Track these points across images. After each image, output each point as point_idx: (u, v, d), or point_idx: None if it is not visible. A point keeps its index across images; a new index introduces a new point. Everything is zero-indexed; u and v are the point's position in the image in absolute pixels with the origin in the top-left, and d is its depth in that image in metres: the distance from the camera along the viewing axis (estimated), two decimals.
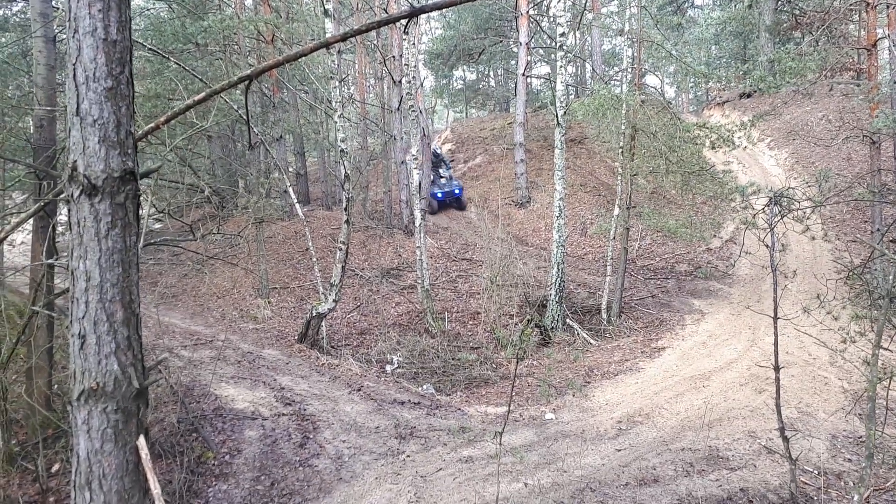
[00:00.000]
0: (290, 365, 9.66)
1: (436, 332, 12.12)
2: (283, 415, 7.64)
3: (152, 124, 4.19)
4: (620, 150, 13.38)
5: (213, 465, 6.48)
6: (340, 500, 6.10)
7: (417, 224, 13.56)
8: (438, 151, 20.75)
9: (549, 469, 6.92)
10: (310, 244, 12.01)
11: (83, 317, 2.51)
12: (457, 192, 19.90)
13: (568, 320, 12.45)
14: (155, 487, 2.42)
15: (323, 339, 11.21)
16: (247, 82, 4.85)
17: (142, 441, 2.45)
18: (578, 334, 12.01)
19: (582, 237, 17.30)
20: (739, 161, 18.82)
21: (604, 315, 12.73)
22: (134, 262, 2.66)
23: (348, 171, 12.04)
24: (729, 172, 15.22)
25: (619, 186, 13.29)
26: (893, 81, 15.80)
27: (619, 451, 7.40)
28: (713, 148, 14.10)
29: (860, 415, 7.60)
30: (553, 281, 12.56)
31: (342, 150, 11.80)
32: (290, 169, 20.91)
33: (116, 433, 2.42)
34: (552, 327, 12.11)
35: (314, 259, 12.00)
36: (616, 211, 13.30)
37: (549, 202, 16.29)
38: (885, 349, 4.47)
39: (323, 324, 11.27)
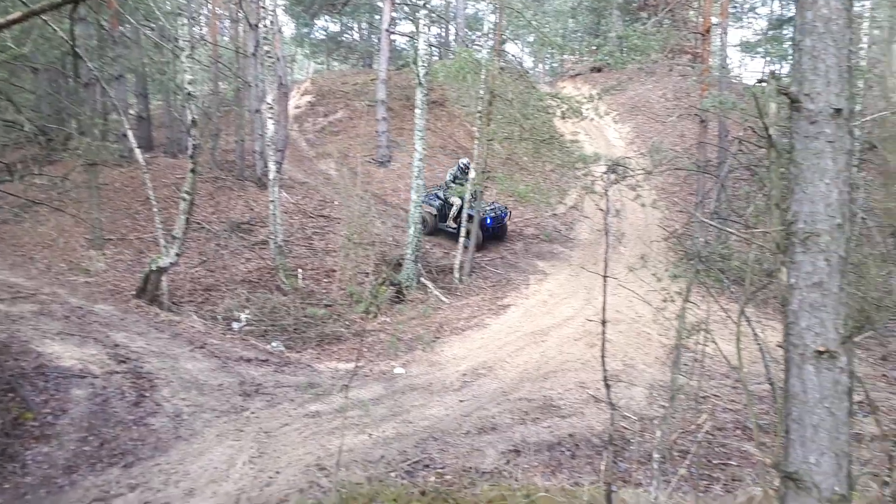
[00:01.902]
0: (125, 321, 9.04)
1: (288, 290, 11.86)
2: (117, 373, 7.16)
3: None
4: (478, 114, 13.67)
5: (33, 426, 5.97)
6: (178, 459, 5.88)
7: (272, 177, 13.07)
8: (468, 164, 14.70)
9: (395, 421, 7.10)
10: (150, 193, 11.20)
11: None
12: (503, 214, 15.46)
13: (422, 279, 12.69)
14: None
15: (163, 294, 10.58)
16: (72, 5, 4.37)
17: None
18: (431, 292, 12.30)
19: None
20: (587, 132, 19.93)
21: (456, 274, 13.11)
22: None
23: (195, 117, 11.30)
24: (576, 143, 16.12)
25: (476, 151, 13.61)
26: (722, 66, 17.40)
27: (463, 402, 7.74)
28: (563, 118, 14.80)
29: (671, 366, 8.49)
30: (410, 240, 12.70)
31: (189, 94, 11.03)
32: (131, 111, 19.21)
33: None
34: (407, 285, 12.29)
35: (155, 209, 11.21)
36: (472, 174, 13.63)
37: (409, 162, 16.32)
38: (696, 306, 5.00)
39: (164, 279, 10.62)
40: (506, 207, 15.64)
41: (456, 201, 13.87)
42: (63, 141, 13.78)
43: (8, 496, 5.04)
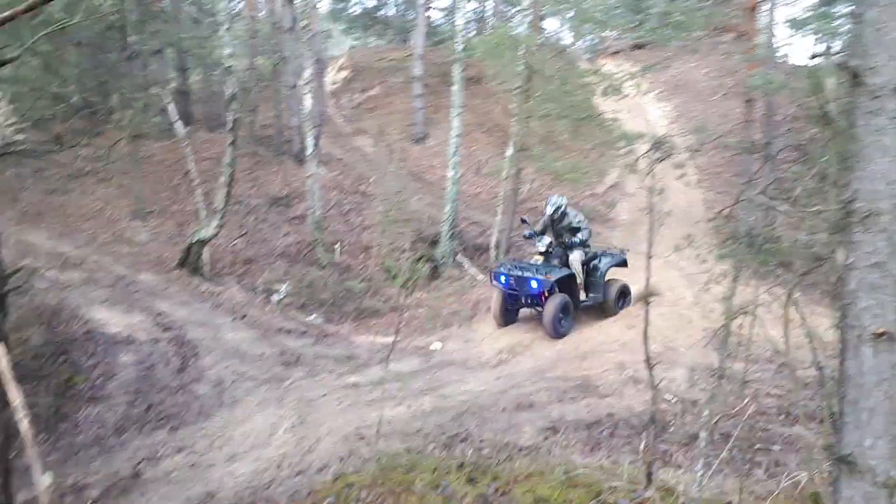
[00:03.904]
0: (168, 291, 9.23)
1: (326, 264, 11.97)
2: (161, 340, 7.34)
3: (8, 12, 3.72)
4: (516, 91, 13.50)
5: (84, 389, 6.16)
6: (221, 424, 6.01)
7: (309, 153, 13.14)
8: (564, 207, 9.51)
9: (432, 395, 7.14)
10: (191, 166, 11.36)
11: None
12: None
13: (458, 256, 12.67)
14: (16, 397, 2.25)
15: (205, 266, 10.75)
16: None
17: (1, 350, 2.25)
18: (468, 270, 12.28)
19: (475, 176, 17.50)
20: (627, 111, 19.54)
21: (492, 252, 13.06)
22: None
23: (235, 91, 11.39)
24: (616, 121, 15.85)
25: (514, 128, 13.46)
26: (769, 44, 16.86)
27: (499, 378, 7.75)
28: (604, 95, 14.53)
29: (717, 349, 8.34)
30: (446, 218, 12.68)
31: (228, 68, 11.10)
32: (171, 86, 19.43)
33: None
34: (443, 262, 12.30)
35: (196, 182, 11.38)
36: (509, 152, 13.50)
37: (445, 139, 16.26)
38: (742, 287, 4.90)
39: (205, 250, 10.80)
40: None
41: (575, 260, 9.15)
42: (106, 114, 14.01)
43: (62, 453, 5.22)
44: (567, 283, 9.13)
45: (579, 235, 9.33)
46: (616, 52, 26.05)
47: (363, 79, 23.60)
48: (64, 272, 8.93)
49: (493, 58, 15.51)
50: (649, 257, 6.41)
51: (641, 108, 20.56)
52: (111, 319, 7.50)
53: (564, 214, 9.38)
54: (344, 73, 23.88)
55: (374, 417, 6.45)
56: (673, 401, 7.07)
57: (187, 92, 19.45)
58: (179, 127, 11.37)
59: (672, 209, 14.86)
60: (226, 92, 14.89)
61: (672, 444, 6.21)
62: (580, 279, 9.34)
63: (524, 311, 9.60)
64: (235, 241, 12.21)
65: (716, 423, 6.07)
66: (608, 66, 22.59)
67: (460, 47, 12.52)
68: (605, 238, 14.46)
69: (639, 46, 25.59)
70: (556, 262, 9.27)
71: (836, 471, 3.03)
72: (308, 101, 13.28)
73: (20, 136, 12.86)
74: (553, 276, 8.79)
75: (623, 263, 10.06)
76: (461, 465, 5.48)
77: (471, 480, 4.91)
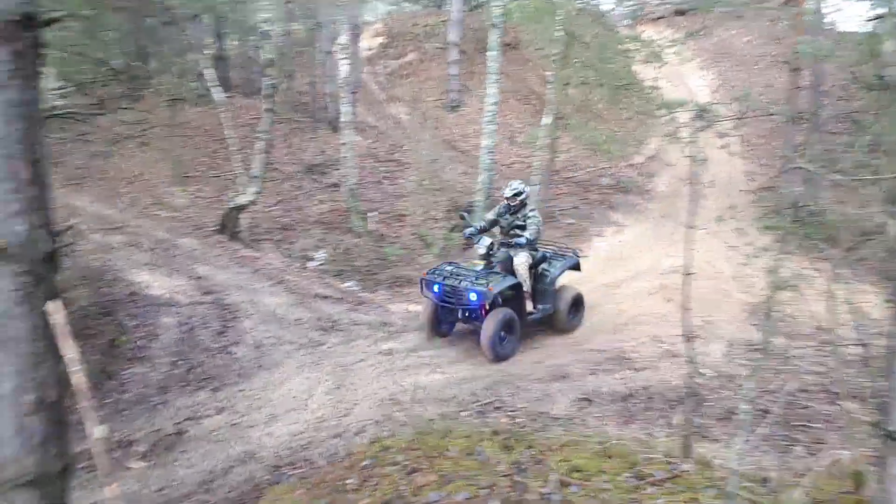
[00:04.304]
0: (208, 255, 9.39)
1: (360, 232, 12.02)
2: (202, 303, 7.49)
3: None
4: (554, 57, 13.23)
5: (128, 349, 6.33)
6: (260, 386, 6.14)
7: (344, 120, 13.12)
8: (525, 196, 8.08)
9: (466, 363, 7.19)
10: (228, 132, 11.44)
11: None
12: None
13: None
14: (70, 351, 2.31)
15: (243, 231, 10.90)
16: None
17: (55, 306, 2.31)
18: None
19: (510, 145, 17.30)
20: (668, 79, 19.05)
21: None
22: (38, 118, 2.43)
23: (272, 57, 11.39)
24: (657, 89, 15.46)
25: (550, 96, 13.22)
26: (817, 10, 16.18)
27: (534, 349, 7.74)
28: (645, 63, 14.18)
29: (755, 324, 8.20)
30: (481, 187, 12.59)
31: (264, 32, 11.06)
32: (208, 51, 19.50)
33: (26, 296, 2.27)
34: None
35: (233, 149, 11.47)
36: (545, 121, 13.28)
37: (480, 107, 16.07)
38: (787, 260, 4.77)
39: (243, 216, 10.93)
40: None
41: (521, 264, 7.70)
42: (146, 79, 14.15)
43: (109, 410, 5.39)
44: (512, 294, 7.58)
45: (526, 234, 7.61)
46: (657, 19, 25.31)
47: (398, 45, 23.36)
48: (107, 235, 9.13)
49: (531, 23, 15.22)
50: (690, 228, 6.31)
51: (682, 77, 20.02)
52: (153, 282, 7.66)
53: (523, 205, 7.87)
54: (379, 39, 23.66)
55: (408, 383, 6.54)
56: (709, 375, 6.99)
57: (224, 58, 19.51)
58: (217, 93, 11.42)
59: (713, 180, 14.53)
60: (262, 58, 14.90)
61: (709, 418, 6.16)
62: (527, 287, 7.74)
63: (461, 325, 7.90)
64: (272, 208, 12.33)
65: (755, 398, 6.00)
66: (649, 32, 21.97)
67: (498, 12, 12.27)
68: (642, 209, 14.23)
69: (681, 13, 24.83)
70: (498, 266, 7.63)
71: (883, 448, 2.97)
72: (343, 68, 13.22)
73: (64, 101, 13.13)
74: (496, 288, 7.16)
75: (576, 267, 8.68)
76: (495, 433, 5.53)
77: (505, 448, 4.95)
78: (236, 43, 21.25)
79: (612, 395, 6.55)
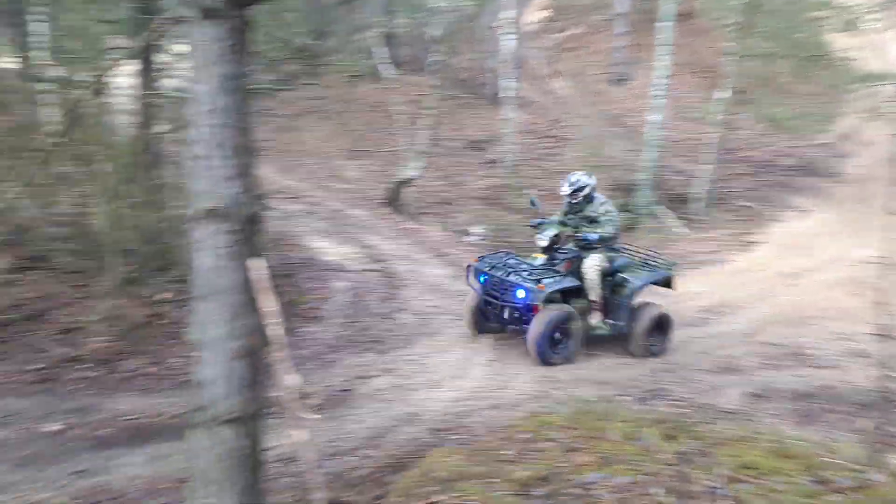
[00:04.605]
0: (376, 226, 9.91)
1: (518, 209, 12.03)
2: (370, 270, 7.92)
3: None
4: (733, 27, 12.25)
5: (305, 309, 6.86)
6: (423, 352, 6.39)
7: (505, 95, 13.12)
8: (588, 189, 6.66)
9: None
10: (396, 108, 11.88)
11: (203, 140, 2.53)
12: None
13: (658, 206, 12.06)
14: (271, 305, 2.53)
15: (407, 204, 11.33)
16: None
17: (259, 263, 2.53)
18: (668, 221, 11.67)
19: (679, 121, 16.33)
20: (864, 49, 16.94)
21: (697, 204, 12.24)
22: (247, 90, 2.64)
23: (440, 33, 11.61)
24: (852, 60, 13.82)
25: (728, 68, 12.28)
26: None
27: (701, 338, 7.35)
28: (840, 31, 12.75)
29: None
30: (645, 165, 12.07)
31: (432, 9, 11.28)
32: (379, 30, 20.30)
33: (234, 252, 2.50)
34: (642, 213, 11.80)
35: (399, 124, 11.92)
36: (720, 95, 12.38)
37: (647, 81, 15.32)
38: None
39: (407, 190, 11.36)
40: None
41: (591, 267, 6.48)
42: (323, 56, 15.02)
43: (289, 364, 5.87)
44: (574, 298, 6.48)
45: (597, 230, 6.44)
46: None
47: (562, 18, 22.85)
48: (288, 203, 9.91)
49: None
50: (892, 214, 5.61)
51: (881, 46, 17.69)
52: (328, 249, 8.22)
53: (590, 200, 6.59)
54: (543, 13, 23.28)
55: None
56: None
57: (393, 36, 20.22)
58: (388, 69, 11.89)
59: None
60: (429, 34, 15.24)
61: None
62: (595, 295, 6.48)
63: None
64: (434, 182, 12.68)
65: None
66: None
67: None
68: (830, 193, 12.86)
69: None
70: (562, 265, 6.49)
71: None
72: (506, 43, 13.18)
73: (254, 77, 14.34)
74: (549, 287, 6.12)
75: (666, 283, 7.16)
76: (659, 421, 5.32)
77: (669, 437, 4.74)
78: (405, 20, 21.88)
79: (788, 393, 6.06)
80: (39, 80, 8.31)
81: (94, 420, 5.25)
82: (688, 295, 8.60)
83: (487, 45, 17.00)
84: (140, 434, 5.11)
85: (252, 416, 2.57)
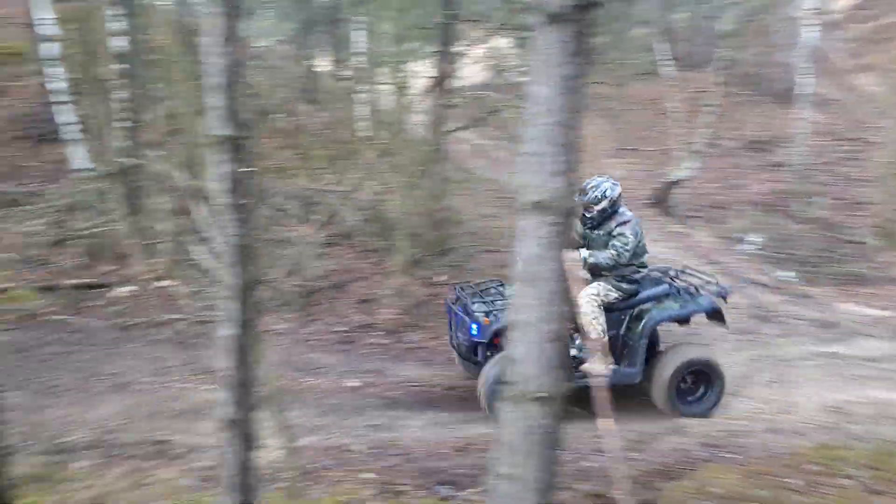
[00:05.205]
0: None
1: (804, 218, 10.88)
2: None
3: None
4: None
5: None
6: None
7: (800, 93, 11.87)
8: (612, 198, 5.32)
9: None
10: (671, 105, 11.43)
11: (536, 138, 2.72)
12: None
13: None
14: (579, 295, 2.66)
15: (676, 206, 10.89)
16: None
17: (573, 254, 2.68)
18: None
19: None
20: None
21: None
22: (584, 91, 2.77)
23: (729, 27, 10.92)
24: None
25: None
26: None
27: None
28: None
29: None
30: None
31: (721, 1, 10.59)
32: (658, 26, 19.63)
33: (554, 243, 2.67)
34: None
35: (673, 122, 11.45)
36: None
37: None
38: None
39: (677, 191, 10.91)
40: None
41: (585, 296, 4.88)
42: (603, 53, 14.98)
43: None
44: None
45: (600, 256, 5.00)
46: None
47: (874, 5, 19.89)
48: None
49: None
50: None
51: None
52: None
53: (612, 214, 5.27)
54: (852, 1, 20.52)
55: (859, 394, 5.76)
56: None
57: (671, 31, 19.40)
58: (666, 66, 11.47)
59: None
60: (715, 28, 14.37)
61: None
62: (593, 333, 4.89)
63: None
64: (707, 184, 11.99)
65: None
66: None
67: None
68: None
69: None
70: None
71: None
72: (806, 35, 11.90)
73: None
74: (495, 323, 4.95)
75: (715, 315, 5.48)
76: None
77: None
78: (687, 14, 20.88)
79: None
80: (356, 82, 9.63)
81: (384, 382, 6.01)
82: None
83: (782, 37, 15.51)
84: (420, 400, 5.73)
85: (558, 397, 2.74)
